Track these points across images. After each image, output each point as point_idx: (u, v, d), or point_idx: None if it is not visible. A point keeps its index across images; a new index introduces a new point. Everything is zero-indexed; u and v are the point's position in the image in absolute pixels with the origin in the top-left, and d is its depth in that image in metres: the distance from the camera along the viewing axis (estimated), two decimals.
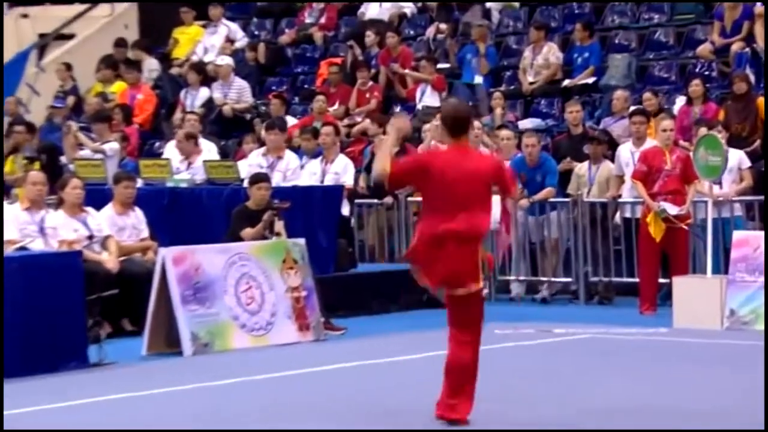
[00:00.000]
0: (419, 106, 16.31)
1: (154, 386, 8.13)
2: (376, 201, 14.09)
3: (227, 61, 17.32)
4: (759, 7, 15.05)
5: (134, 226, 11.42)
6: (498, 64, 17.03)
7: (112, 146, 14.90)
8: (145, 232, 11.47)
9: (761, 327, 10.54)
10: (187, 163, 13.61)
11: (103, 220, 11.15)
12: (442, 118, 7.01)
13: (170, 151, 14.27)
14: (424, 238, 6.93)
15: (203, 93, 17.11)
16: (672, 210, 11.64)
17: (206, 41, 18.66)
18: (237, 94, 17.09)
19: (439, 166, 6.90)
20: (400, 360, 9.48)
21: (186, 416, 7.39)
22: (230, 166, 12.82)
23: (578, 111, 13.87)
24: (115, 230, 11.20)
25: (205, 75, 17.36)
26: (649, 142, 12.65)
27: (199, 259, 10.03)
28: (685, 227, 11.66)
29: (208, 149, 14.10)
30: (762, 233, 11.29)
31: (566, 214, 13.04)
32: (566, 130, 14.25)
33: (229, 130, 16.89)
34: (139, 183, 12.34)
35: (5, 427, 6.42)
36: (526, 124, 15.47)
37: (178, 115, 16.79)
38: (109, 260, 10.80)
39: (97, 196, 11.64)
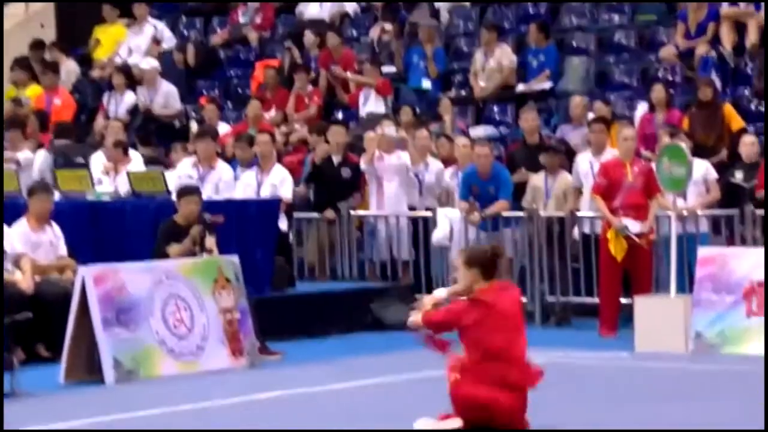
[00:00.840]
0: (362, 113, 16.31)
1: (73, 417, 8.04)
2: (316, 215, 14.07)
3: (153, 64, 17.22)
4: (725, 8, 15.25)
5: (51, 242, 11.29)
6: (448, 68, 17.10)
7: (26, 155, 14.73)
8: (63, 250, 11.35)
9: (729, 350, 10.64)
10: (114, 174, 13.51)
11: (16, 236, 11.02)
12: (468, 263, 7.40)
13: (97, 161, 14.14)
14: None
15: (129, 98, 17.00)
16: (634, 227, 11.72)
17: (131, 42, 18.54)
18: (164, 99, 16.99)
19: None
20: (340, 388, 9.44)
21: None
22: (157, 177, 12.74)
23: (534, 119, 13.93)
24: (30, 247, 11.08)
25: (132, 78, 17.25)
26: (609, 152, 12.74)
27: (122, 279, 9.95)
28: (646, 246, 11.73)
29: (135, 160, 14.01)
30: (729, 249, 11.44)
31: (521, 229, 13.09)
32: (521, 139, 14.32)
33: (155, 137, 16.76)
34: (57, 196, 12.21)
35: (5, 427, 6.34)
36: (477, 132, 15.52)
37: (100, 122, 16.67)
38: (23, 280, 10.68)
39: (9, 210, 11.51)
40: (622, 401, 8.73)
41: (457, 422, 7.20)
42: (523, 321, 7.52)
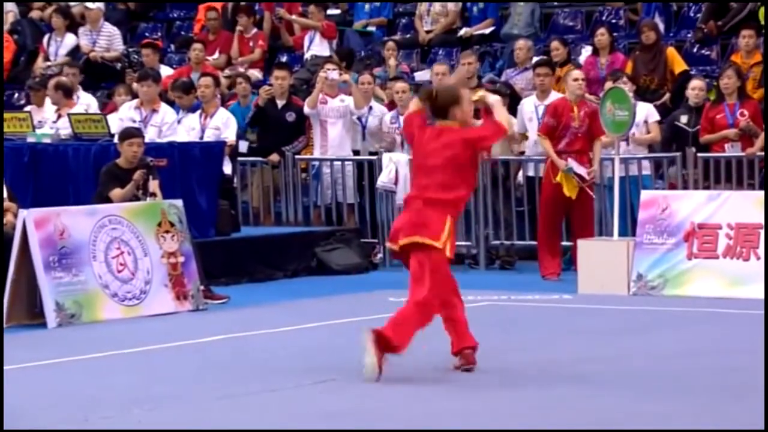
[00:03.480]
0: (307, 56, 16.25)
1: (14, 361, 8.02)
2: (260, 159, 14.04)
3: (98, 4, 17.05)
4: None
5: None
6: (393, 11, 17.06)
7: None
8: (4, 193, 11.23)
9: (670, 292, 10.80)
10: (56, 116, 13.39)
11: None
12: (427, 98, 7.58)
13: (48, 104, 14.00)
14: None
15: (69, 40, 16.81)
16: (579, 169, 11.78)
17: None
18: (107, 41, 16.82)
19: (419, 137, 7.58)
20: (284, 330, 9.49)
21: (48, 394, 7.31)
22: (99, 120, 12.64)
23: (471, 63, 13.83)
24: None
25: (71, 20, 17.04)
26: (554, 95, 12.80)
27: (64, 222, 9.90)
28: (589, 190, 11.80)
29: (86, 104, 13.87)
30: (670, 191, 11.58)
31: None
32: None
33: (97, 80, 16.63)
34: None
35: (5, 428, 6.35)
36: (422, 75, 15.51)
37: (39, 64, 16.49)
38: None
39: None
40: (563, 338, 8.85)
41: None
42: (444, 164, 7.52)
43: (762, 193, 10.99)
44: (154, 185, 10.91)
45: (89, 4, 17.10)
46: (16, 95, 16.56)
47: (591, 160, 11.97)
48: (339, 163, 13.67)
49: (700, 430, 6.13)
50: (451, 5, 16.14)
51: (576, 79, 12.06)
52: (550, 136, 11.99)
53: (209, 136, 13.06)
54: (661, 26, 14.70)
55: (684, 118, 12.73)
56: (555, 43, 14.20)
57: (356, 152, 13.87)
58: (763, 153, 12.10)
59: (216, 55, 16.37)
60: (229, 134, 13.16)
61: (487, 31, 15.96)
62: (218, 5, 17.39)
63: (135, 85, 13.89)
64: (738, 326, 9.36)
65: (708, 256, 10.80)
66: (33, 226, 9.74)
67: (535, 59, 13.97)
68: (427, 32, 16.30)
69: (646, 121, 12.58)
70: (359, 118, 13.85)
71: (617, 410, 6.64)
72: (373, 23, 17.06)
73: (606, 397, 6.96)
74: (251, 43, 16.48)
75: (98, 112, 13.90)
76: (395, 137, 13.51)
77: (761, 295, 10.24)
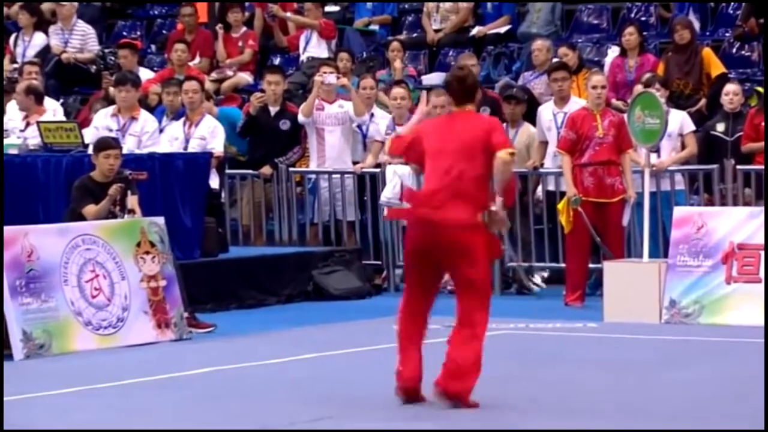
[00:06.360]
0: (303, 57, 16.30)
1: None
2: (251, 172, 14.07)
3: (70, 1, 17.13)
4: None
5: None
6: (399, 8, 17.13)
7: None
8: None
9: (706, 320, 10.80)
10: (24, 124, 13.43)
11: None
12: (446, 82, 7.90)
13: (14, 110, 14.04)
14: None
15: (38, 39, 16.87)
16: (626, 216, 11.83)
17: None
18: (80, 41, 16.88)
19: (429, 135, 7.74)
20: (277, 362, 9.51)
21: None
22: (71, 128, 12.68)
23: (473, 65, 13.79)
24: None
25: (40, 17, 17.10)
26: (575, 101, 12.82)
27: (32, 242, 9.93)
28: (594, 232, 11.85)
29: (53, 110, 13.92)
30: (707, 208, 11.59)
31: None
32: None
33: (70, 84, 16.69)
34: None
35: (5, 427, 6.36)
36: (431, 79, 15.55)
37: (6, 66, 16.54)
38: None
39: None
40: (587, 371, 8.85)
41: None
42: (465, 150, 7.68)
43: None
44: (132, 201, 10.96)
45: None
46: None
47: (621, 173, 12.00)
48: (338, 176, 13.70)
49: (700, 430, 6.10)
50: (462, 1, 16.19)
51: (596, 87, 12.11)
52: (571, 151, 12.03)
53: (194, 147, 13.09)
54: (697, 24, 14.74)
55: (720, 127, 12.74)
56: (563, 49, 14.19)
57: (357, 164, 13.88)
58: None
59: (197, 59, 16.33)
60: (216, 144, 13.18)
61: (503, 30, 16.01)
62: (204, 4, 17.40)
63: (112, 90, 13.92)
64: None
65: (749, 280, 10.81)
66: None
67: (550, 62, 14.00)
68: (436, 31, 16.34)
69: (680, 134, 12.57)
70: (360, 127, 13.88)
71: None
72: (376, 21, 17.12)
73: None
74: (240, 43, 16.50)
75: (66, 119, 13.90)
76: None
77: None
